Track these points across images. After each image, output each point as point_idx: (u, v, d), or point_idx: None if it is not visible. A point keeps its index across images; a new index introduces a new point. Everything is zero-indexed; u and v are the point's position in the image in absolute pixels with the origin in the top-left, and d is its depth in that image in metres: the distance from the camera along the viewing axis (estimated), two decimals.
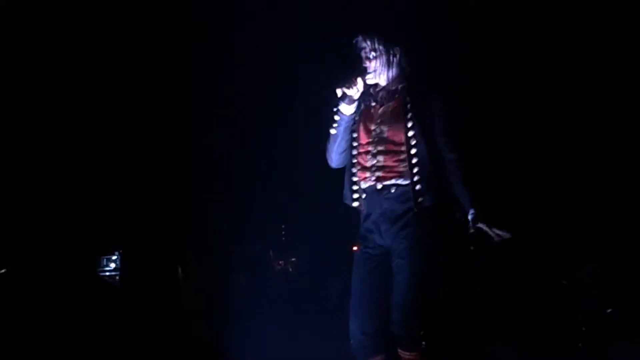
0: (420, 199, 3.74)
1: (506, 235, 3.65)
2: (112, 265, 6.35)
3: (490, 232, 3.66)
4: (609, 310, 5.76)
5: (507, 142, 6.55)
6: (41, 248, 5.98)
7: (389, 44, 3.90)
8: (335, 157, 4.01)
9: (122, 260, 6.35)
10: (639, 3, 6.00)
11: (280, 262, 6.95)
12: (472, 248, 6.27)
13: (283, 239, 7.03)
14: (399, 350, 3.71)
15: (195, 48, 6.57)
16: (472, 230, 3.70)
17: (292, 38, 6.29)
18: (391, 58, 3.90)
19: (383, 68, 3.91)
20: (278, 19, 6.37)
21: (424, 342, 3.66)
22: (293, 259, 6.96)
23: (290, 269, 6.93)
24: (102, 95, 6.52)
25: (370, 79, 3.91)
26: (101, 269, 6.35)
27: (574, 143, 6.39)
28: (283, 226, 7.04)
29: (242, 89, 6.76)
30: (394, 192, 3.79)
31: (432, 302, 3.80)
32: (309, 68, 6.32)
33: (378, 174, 3.82)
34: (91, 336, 4.88)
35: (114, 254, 6.37)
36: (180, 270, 6.47)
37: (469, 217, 3.69)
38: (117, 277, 6.31)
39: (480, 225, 3.67)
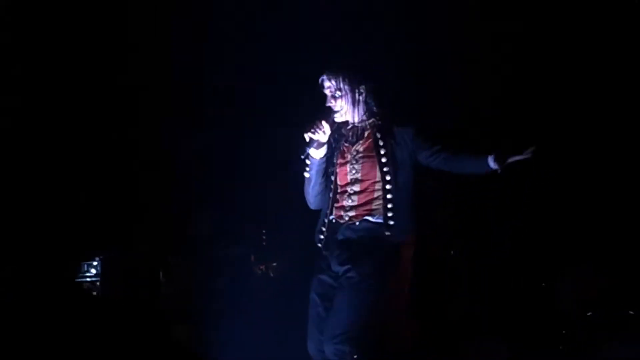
0: (387, 233, 3.78)
1: (532, 149, 3.65)
2: (93, 270, 6.35)
3: (520, 158, 3.66)
4: (589, 314, 5.81)
5: (493, 144, 6.55)
6: (22, 254, 5.96)
7: (354, 82, 3.92)
8: (312, 200, 4.04)
9: (103, 266, 6.34)
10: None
11: (261, 267, 6.95)
12: (452, 252, 6.32)
13: (264, 243, 7.03)
14: None
15: (183, 53, 6.56)
16: (499, 171, 3.70)
17: (279, 38, 6.30)
18: (357, 96, 3.92)
19: (349, 107, 3.92)
20: (266, 19, 6.38)
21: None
22: (274, 264, 6.96)
23: (271, 274, 6.93)
24: (82, 101, 6.50)
25: (338, 118, 3.94)
26: (82, 274, 6.34)
27: (564, 146, 6.43)
28: (264, 230, 7.03)
29: (225, 90, 6.75)
30: (359, 224, 3.83)
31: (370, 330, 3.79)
32: (297, 69, 6.34)
33: (351, 213, 3.86)
34: (73, 340, 4.88)
35: (94, 260, 6.36)
36: (161, 274, 6.47)
37: (493, 165, 3.68)
38: (98, 283, 6.31)
39: (509, 160, 3.67)
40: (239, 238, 6.90)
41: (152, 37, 6.47)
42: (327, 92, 3.94)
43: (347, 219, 3.86)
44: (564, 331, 5.81)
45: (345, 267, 3.76)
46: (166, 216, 6.80)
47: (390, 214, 3.78)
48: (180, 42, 6.52)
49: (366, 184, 3.86)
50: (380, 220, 3.80)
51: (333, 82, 3.91)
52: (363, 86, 3.92)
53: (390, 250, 3.79)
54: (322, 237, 3.95)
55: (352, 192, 3.88)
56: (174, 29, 6.47)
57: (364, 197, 3.85)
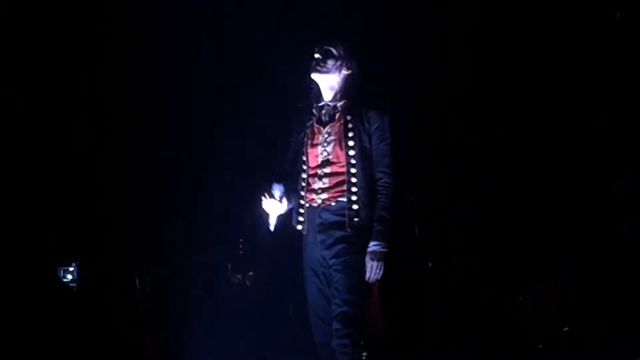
0: (355, 219, 3.80)
1: (375, 279, 3.72)
2: (70, 276, 6.33)
3: (369, 270, 3.73)
4: (565, 329, 5.84)
5: (461, 157, 6.60)
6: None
7: (347, 57, 3.95)
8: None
9: (80, 272, 6.33)
10: None
11: (238, 276, 6.95)
12: (430, 265, 6.34)
13: (241, 252, 7.02)
14: None
15: (153, 60, 6.55)
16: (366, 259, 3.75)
17: (241, 51, 6.31)
18: (345, 70, 3.95)
19: (335, 75, 3.95)
20: (235, 21, 6.38)
21: (364, 354, 3.70)
22: (250, 273, 6.96)
23: (248, 283, 6.93)
24: (58, 107, 6.48)
25: (316, 77, 3.95)
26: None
27: (531, 156, 6.47)
28: (241, 239, 7.03)
29: (196, 98, 6.74)
30: (335, 205, 3.85)
31: (365, 314, 3.84)
32: (268, 73, 6.34)
33: (323, 195, 3.88)
34: (47, 346, 4.85)
35: (71, 265, 6.35)
36: (137, 280, 6.45)
37: (368, 248, 3.75)
38: (75, 289, 6.29)
39: (371, 259, 3.73)
40: (214, 247, 6.89)
41: (123, 49, 6.46)
42: (319, 54, 3.93)
43: (319, 202, 3.88)
44: (540, 345, 5.84)
45: (331, 255, 3.80)
46: (142, 223, 6.78)
47: (354, 198, 3.81)
48: (149, 56, 6.51)
49: (337, 166, 3.89)
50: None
51: (333, 50, 3.92)
52: (355, 62, 3.95)
53: (362, 234, 3.81)
54: (301, 219, 3.97)
55: (322, 174, 3.90)
56: (145, 44, 6.46)
57: (335, 179, 3.88)
